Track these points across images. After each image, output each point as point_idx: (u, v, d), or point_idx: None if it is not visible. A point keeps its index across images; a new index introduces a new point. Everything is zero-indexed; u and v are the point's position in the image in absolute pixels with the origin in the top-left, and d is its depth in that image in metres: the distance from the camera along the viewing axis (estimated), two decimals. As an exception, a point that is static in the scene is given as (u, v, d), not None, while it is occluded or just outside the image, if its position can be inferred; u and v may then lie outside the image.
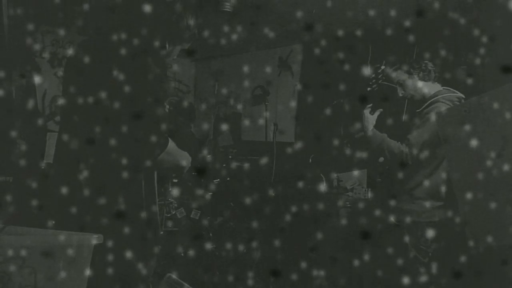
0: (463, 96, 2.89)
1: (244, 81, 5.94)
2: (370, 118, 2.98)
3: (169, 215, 4.12)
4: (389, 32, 4.15)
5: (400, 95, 3.02)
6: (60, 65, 5.37)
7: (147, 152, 1.77)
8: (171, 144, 1.87)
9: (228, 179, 4.58)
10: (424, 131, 2.79)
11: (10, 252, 1.30)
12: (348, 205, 3.98)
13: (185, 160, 1.99)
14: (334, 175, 4.34)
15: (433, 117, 2.75)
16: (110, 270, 1.65)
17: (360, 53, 4.67)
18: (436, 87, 2.96)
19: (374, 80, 3.17)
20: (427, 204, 2.83)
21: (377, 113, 3.00)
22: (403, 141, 2.86)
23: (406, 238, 2.87)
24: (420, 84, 2.95)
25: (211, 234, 4.29)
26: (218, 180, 4.52)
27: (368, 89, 3.22)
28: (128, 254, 1.71)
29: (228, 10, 4.06)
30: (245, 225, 4.35)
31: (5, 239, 1.33)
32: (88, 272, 1.47)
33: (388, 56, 3.87)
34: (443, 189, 2.85)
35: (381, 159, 3.24)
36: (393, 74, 3.01)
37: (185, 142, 2.33)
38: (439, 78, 3.00)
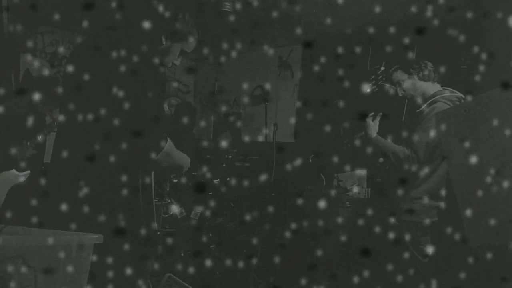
0: (463, 96, 2.89)
1: (244, 81, 5.94)
2: (373, 125, 3.02)
3: (166, 215, 4.12)
4: (389, 33, 4.15)
5: (400, 95, 3.03)
6: (60, 65, 5.37)
7: (144, 151, 1.76)
8: (170, 145, 1.87)
9: (228, 179, 4.58)
10: (426, 132, 2.80)
11: (10, 252, 1.30)
12: (348, 205, 3.98)
13: (184, 161, 1.99)
14: (334, 175, 4.34)
15: (433, 117, 2.75)
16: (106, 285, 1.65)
17: (360, 54, 4.67)
18: (436, 87, 2.97)
19: (374, 82, 3.18)
20: (427, 203, 2.84)
21: (378, 118, 3.04)
22: (407, 144, 2.87)
23: (406, 238, 2.87)
24: (419, 84, 2.96)
25: (211, 234, 4.29)
26: (218, 180, 4.52)
27: (368, 90, 3.24)
28: (120, 250, 1.70)
29: (228, 10, 4.06)
30: (244, 225, 4.35)
31: (5, 239, 1.33)
32: (88, 272, 1.48)
33: (387, 56, 3.88)
34: (443, 188, 2.85)
35: (381, 159, 3.25)
36: (393, 74, 3.03)
37: (186, 145, 2.33)
38: (438, 78, 3.01)
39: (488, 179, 1.59)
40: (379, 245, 3.14)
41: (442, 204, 2.83)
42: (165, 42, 1.96)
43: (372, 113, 3.06)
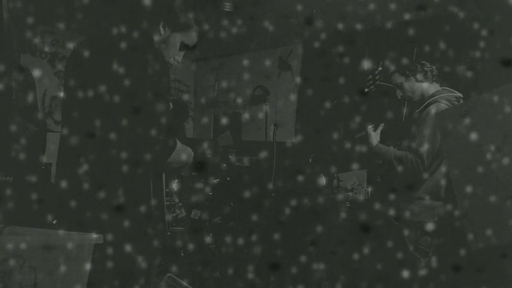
0: (461, 96, 2.90)
1: (244, 81, 5.94)
2: (374, 135, 3.07)
3: (174, 214, 4.13)
4: (388, 30, 4.15)
5: (399, 97, 3.05)
6: (60, 65, 5.38)
7: (158, 156, 1.76)
8: (178, 144, 1.87)
9: (228, 179, 4.58)
10: (426, 133, 2.80)
11: (10, 252, 1.30)
12: (348, 205, 3.98)
13: (188, 156, 1.99)
14: (334, 175, 4.34)
15: (432, 118, 2.76)
16: (111, 266, 1.65)
17: (360, 52, 4.67)
18: (435, 87, 2.97)
19: (371, 81, 3.19)
20: (427, 203, 2.84)
21: (380, 128, 3.07)
22: (409, 148, 2.86)
23: (406, 238, 2.88)
24: (418, 85, 2.97)
25: (211, 234, 4.29)
26: (218, 180, 4.52)
27: (366, 89, 3.25)
28: (132, 250, 1.71)
29: (228, 10, 4.06)
30: (245, 225, 4.35)
31: (5, 239, 1.33)
32: (88, 272, 1.48)
33: (387, 56, 3.87)
34: (443, 188, 2.85)
35: (380, 161, 3.27)
36: (392, 77, 3.05)
37: (181, 138, 2.33)
38: (438, 77, 3.01)
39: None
40: (379, 245, 3.14)
41: (442, 204, 2.83)
42: (163, 32, 1.92)
43: (373, 125, 3.10)
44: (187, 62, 6.77)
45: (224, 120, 6.23)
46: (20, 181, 3.26)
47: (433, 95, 2.91)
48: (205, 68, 6.68)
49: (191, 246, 4.14)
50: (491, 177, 1.62)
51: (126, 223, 1.70)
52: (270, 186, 4.47)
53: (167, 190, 3.93)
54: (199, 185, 4.25)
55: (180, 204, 4.12)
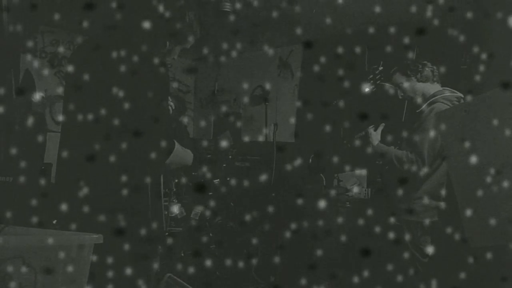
0: (462, 96, 2.89)
1: (244, 81, 5.94)
2: (374, 135, 3.08)
3: (173, 215, 4.13)
4: (388, 33, 4.15)
5: (400, 97, 3.05)
6: (60, 65, 5.38)
7: (155, 160, 1.75)
8: (177, 145, 1.87)
9: (228, 179, 4.58)
10: (426, 132, 2.80)
11: (10, 252, 1.30)
12: (348, 205, 3.98)
13: (188, 158, 2.00)
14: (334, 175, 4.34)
15: (433, 118, 2.76)
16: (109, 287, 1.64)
17: (359, 54, 4.67)
18: (436, 87, 2.97)
19: (372, 81, 3.19)
20: (427, 203, 2.84)
21: (380, 128, 3.08)
22: (409, 147, 2.87)
23: (406, 238, 2.88)
24: (419, 85, 2.96)
25: (211, 234, 4.29)
26: (218, 180, 4.52)
27: (367, 89, 3.25)
28: (129, 271, 1.69)
29: (228, 10, 4.07)
30: (244, 225, 4.35)
31: (5, 239, 1.33)
32: (88, 272, 1.48)
33: (386, 56, 3.87)
34: (443, 188, 2.85)
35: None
36: (393, 77, 3.04)
37: (185, 140, 2.34)
38: (438, 77, 3.01)
39: (488, 179, 1.59)
40: (379, 245, 3.14)
41: (442, 204, 2.83)
42: (168, 45, 1.96)
43: (373, 126, 3.10)
44: (187, 62, 6.77)
45: (224, 120, 6.23)
46: (19, 181, 3.26)
47: (434, 95, 2.90)
48: (205, 68, 6.68)
49: (191, 246, 4.14)
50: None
51: (120, 225, 1.69)
52: (270, 186, 4.47)
53: (166, 190, 3.95)
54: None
55: (180, 204, 4.13)
